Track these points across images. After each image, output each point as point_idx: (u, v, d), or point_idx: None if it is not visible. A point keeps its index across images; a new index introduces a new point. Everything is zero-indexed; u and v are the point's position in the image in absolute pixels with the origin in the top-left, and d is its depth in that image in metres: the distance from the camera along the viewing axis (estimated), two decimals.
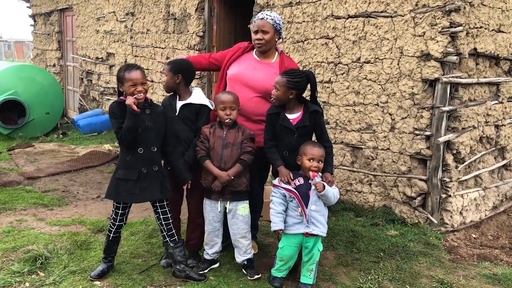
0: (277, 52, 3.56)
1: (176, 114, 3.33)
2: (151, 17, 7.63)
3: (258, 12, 5.54)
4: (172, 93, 3.44)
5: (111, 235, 3.26)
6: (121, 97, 3.15)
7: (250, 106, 3.42)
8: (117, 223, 3.24)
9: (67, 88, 11.23)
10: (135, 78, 3.03)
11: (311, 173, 3.10)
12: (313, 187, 3.09)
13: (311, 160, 3.08)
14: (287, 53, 5.31)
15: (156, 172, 3.16)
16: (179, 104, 3.32)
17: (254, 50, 3.55)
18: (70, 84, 11.17)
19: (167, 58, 7.30)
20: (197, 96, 3.36)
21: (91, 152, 7.36)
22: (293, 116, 3.22)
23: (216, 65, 3.67)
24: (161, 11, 7.38)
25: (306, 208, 3.11)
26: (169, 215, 3.27)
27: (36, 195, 5.33)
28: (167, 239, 3.28)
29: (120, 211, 3.22)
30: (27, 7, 12.83)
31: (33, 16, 12.57)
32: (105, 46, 9.09)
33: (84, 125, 8.84)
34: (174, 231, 3.30)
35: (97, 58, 9.46)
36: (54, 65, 11.58)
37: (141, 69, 3.12)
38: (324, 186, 3.06)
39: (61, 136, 9.10)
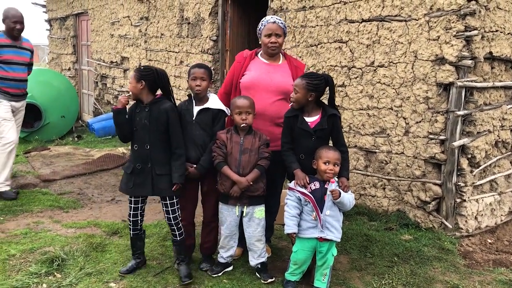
0: (281, 54, 3.60)
1: (193, 118, 3.36)
2: (165, 22, 7.70)
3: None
4: (187, 98, 3.48)
5: (131, 232, 3.42)
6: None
7: (273, 110, 3.42)
8: (131, 219, 3.38)
9: (82, 91, 11.38)
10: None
11: (325, 175, 3.10)
12: (328, 192, 3.09)
13: (327, 163, 3.08)
14: (300, 57, 5.33)
15: (149, 169, 3.23)
16: (196, 109, 3.34)
17: (259, 54, 3.57)
18: (85, 87, 11.31)
19: (181, 62, 7.36)
20: (214, 101, 3.39)
21: (106, 155, 7.43)
22: (311, 119, 3.21)
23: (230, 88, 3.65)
24: (175, 16, 7.45)
25: (321, 212, 3.10)
26: (176, 214, 3.31)
27: (52, 198, 5.39)
28: (171, 233, 3.39)
29: (132, 205, 3.36)
30: (43, 12, 13.04)
31: (49, 21, 12.77)
32: (119, 50, 9.20)
33: (99, 128, 8.93)
34: (179, 227, 3.34)
35: (111, 62, 9.57)
36: (69, 69, 11.74)
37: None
38: (340, 194, 3.05)
39: (76, 139, 9.21)
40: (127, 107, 3.29)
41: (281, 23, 3.45)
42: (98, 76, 10.27)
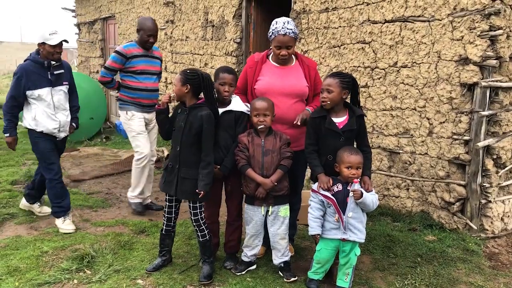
0: (293, 55, 3.56)
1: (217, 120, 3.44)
2: (190, 25, 7.83)
3: (294, 18, 5.63)
4: None
5: (164, 228, 3.53)
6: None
7: (291, 113, 3.42)
8: (166, 215, 3.50)
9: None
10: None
11: (349, 180, 3.12)
12: (351, 193, 3.11)
13: (349, 168, 3.09)
14: (323, 58, 5.36)
15: (177, 170, 3.32)
16: (220, 111, 3.41)
17: (270, 57, 3.56)
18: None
19: (206, 64, 7.48)
20: (237, 104, 3.46)
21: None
22: (339, 120, 3.22)
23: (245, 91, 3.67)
24: (199, 19, 7.57)
25: (344, 215, 3.13)
26: (198, 217, 3.37)
27: (81, 197, 5.56)
28: (196, 233, 3.46)
29: (167, 203, 3.49)
30: (72, 16, 13.39)
31: (78, 25, 13.11)
32: None
33: None
34: (202, 228, 3.39)
35: None
36: (97, 72, 12.01)
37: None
38: (362, 194, 3.06)
39: (104, 140, 9.44)
40: (172, 105, 3.41)
41: (292, 32, 3.34)
42: None
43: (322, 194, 3.17)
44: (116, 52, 4.72)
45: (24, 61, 4.28)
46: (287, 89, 3.44)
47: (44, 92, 4.23)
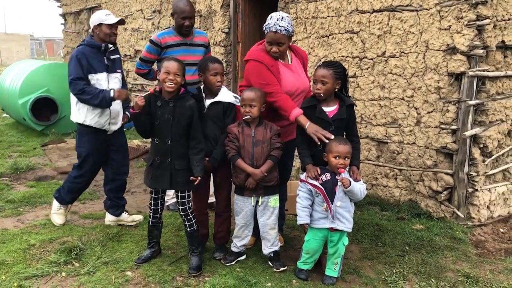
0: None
1: (204, 112, 3.42)
2: None
3: (283, 8, 5.60)
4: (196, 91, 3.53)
5: (150, 219, 3.51)
6: (156, 87, 3.34)
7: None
8: (152, 208, 3.48)
9: None
10: (171, 67, 3.21)
11: (337, 170, 3.13)
12: (339, 183, 3.12)
13: (337, 158, 3.10)
14: (311, 48, 5.35)
15: (169, 163, 3.29)
16: (207, 102, 3.40)
17: None
18: None
19: None
20: (225, 94, 3.44)
21: None
22: (330, 109, 3.24)
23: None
24: None
25: (332, 204, 3.15)
26: (186, 207, 3.37)
27: None
28: (183, 222, 3.46)
29: (153, 195, 3.46)
30: (58, 6, 13.19)
31: (63, 15, 12.92)
32: (133, 44, 9.29)
33: None
34: (189, 218, 3.40)
35: (125, 55, 9.66)
36: None
37: (179, 62, 3.28)
38: (350, 182, 3.08)
39: None
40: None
41: (285, 30, 3.26)
42: None
43: (310, 184, 3.19)
44: (150, 41, 4.23)
45: (77, 47, 3.95)
46: (302, 88, 3.46)
47: (103, 77, 3.89)
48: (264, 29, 3.35)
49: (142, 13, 8.83)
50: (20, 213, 4.57)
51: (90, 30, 4.04)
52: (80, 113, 3.97)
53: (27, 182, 5.71)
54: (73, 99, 3.99)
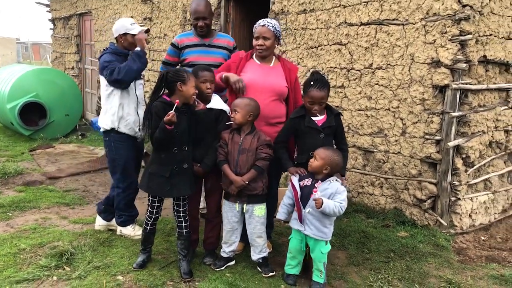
0: (274, 57, 3.71)
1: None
2: (168, 22, 7.84)
3: (273, 19, 5.72)
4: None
5: (148, 227, 3.52)
6: (164, 96, 3.32)
7: (268, 110, 3.54)
8: (153, 216, 3.50)
9: (85, 90, 11.51)
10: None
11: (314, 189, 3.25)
12: (312, 200, 3.20)
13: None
14: (300, 58, 5.47)
15: (186, 169, 3.36)
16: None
17: (254, 56, 3.68)
18: (88, 86, 11.43)
19: None
20: (217, 102, 3.52)
21: None
22: (318, 118, 3.37)
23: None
24: (178, 17, 7.58)
25: (304, 208, 3.26)
26: (185, 208, 3.45)
27: (58, 194, 5.53)
28: (177, 227, 3.49)
29: (156, 204, 3.47)
30: (47, 11, 13.16)
31: (52, 20, 12.89)
32: None
33: None
34: (186, 220, 3.46)
35: None
36: (72, 68, 11.87)
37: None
38: (322, 203, 3.11)
39: (80, 137, 9.35)
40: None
41: (272, 26, 3.51)
42: None
43: (292, 184, 3.32)
44: (171, 43, 4.23)
45: (101, 55, 3.93)
46: (267, 87, 3.55)
47: (130, 85, 3.91)
48: (253, 30, 3.60)
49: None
50: (9, 218, 4.58)
51: (113, 37, 4.06)
52: (114, 121, 3.92)
53: (16, 187, 5.72)
54: (105, 106, 3.96)
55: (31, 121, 8.95)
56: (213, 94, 3.57)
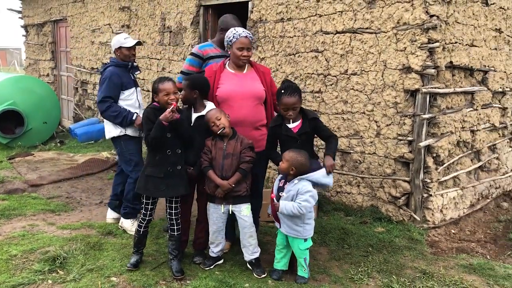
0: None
1: (191, 124, 3.67)
2: (147, 30, 7.95)
3: (251, 27, 5.93)
4: (187, 105, 3.78)
5: (142, 229, 3.67)
6: (154, 103, 3.60)
7: (252, 115, 3.73)
8: (147, 218, 3.64)
9: (61, 97, 11.46)
10: (168, 88, 3.50)
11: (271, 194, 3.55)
12: (282, 194, 3.46)
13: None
14: (279, 65, 5.69)
15: (180, 170, 3.54)
16: (194, 115, 3.66)
17: (227, 65, 3.83)
18: (64, 93, 11.40)
19: (163, 69, 7.63)
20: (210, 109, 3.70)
21: (90, 159, 7.61)
22: (294, 125, 3.57)
23: None
24: (156, 24, 7.70)
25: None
26: (178, 211, 3.62)
27: (42, 202, 5.55)
28: (169, 229, 3.66)
29: (149, 206, 3.63)
30: (19, 18, 13.01)
31: (25, 27, 12.76)
32: (100, 57, 9.37)
33: (81, 133, 9.08)
34: (178, 222, 3.63)
35: (92, 68, 9.72)
36: (47, 75, 11.79)
37: (172, 80, 3.58)
38: (279, 207, 3.41)
39: (58, 144, 9.33)
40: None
41: (251, 37, 3.74)
42: (78, 82, 10.39)
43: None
44: (192, 54, 4.33)
45: (105, 69, 4.44)
46: (246, 93, 3.72)
47: (132, 91, 4.45)
48: (230, 39, 3.70)
49: (111, 27, 8.95)
50: None
51: (112, 52, 4.58)
52: (120, 127, 4.39)
53: None
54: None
55: (7, 129, 8.89)
56: (208, 102, 3.73)
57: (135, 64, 4.58)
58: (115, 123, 4.36)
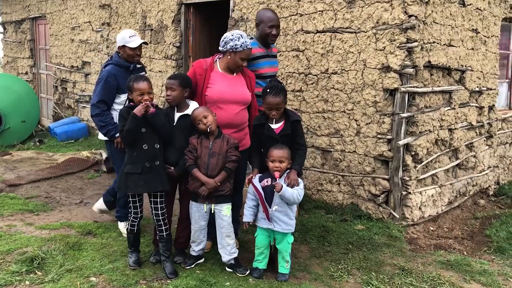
0: None
1: (174, 124, 3.63)
2: (127, 28, 7.87)
3: (233, 25, 5.93)
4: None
5: (135, 228, 3.65)
6: (130, 103, 3.55)
7: (238, 119, 3.73)
8: (138, 215, 3.63)
9: (40, 96, 11.28)
10: (143, 88, 3.44)
11: (273, 173, 3.48)
12: (273, 185, 3.45)
13: (273, 162, 3.47)
14: None
15: (158, 166, 3.50)
16: (177, 115, 3.63)
17: (218, 64, 3.78)
18: (44, 92, 11.22)
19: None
20: (194, 108, 3.68)
21: (70, 159, 7.51)
22: (276, 126, 3.59)
23: None
24: (137, 22, 7.64)
25: (270, 207, 3.49)
26: (164, 211, 3.59)
27: (20, 202, 5.46)
28: (157, 230, 3.63)
29: (137, 204, 3.61)
30: None
31: (2, 24, 12.52)
32: (80, 55, 9.26)
33: (61, 132, 8.96)
34: (165, 222, 3.60)
35: (72, 66, 9.60)
36: (26, 73, 11.60)
37: (148, 80, 3.51)
38: (282, 187, 3.39)
39: (37, 143, 9.19)
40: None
41: None
42: (58, 81, 10.25)
43: (254, 187, 3.54)
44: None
45: (105, 66, 4.14)
46: (236, 98, 3.71)
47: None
48: (237, 47, 3.59)
49: (91, 25, 8.85)
50: None
51: (116, 48, 4.25)
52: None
53: None
54: None
55: None
56: (191, 101, 3.70)
57: (138, 66, 4.29)
58: (99, 130, 4.23)
